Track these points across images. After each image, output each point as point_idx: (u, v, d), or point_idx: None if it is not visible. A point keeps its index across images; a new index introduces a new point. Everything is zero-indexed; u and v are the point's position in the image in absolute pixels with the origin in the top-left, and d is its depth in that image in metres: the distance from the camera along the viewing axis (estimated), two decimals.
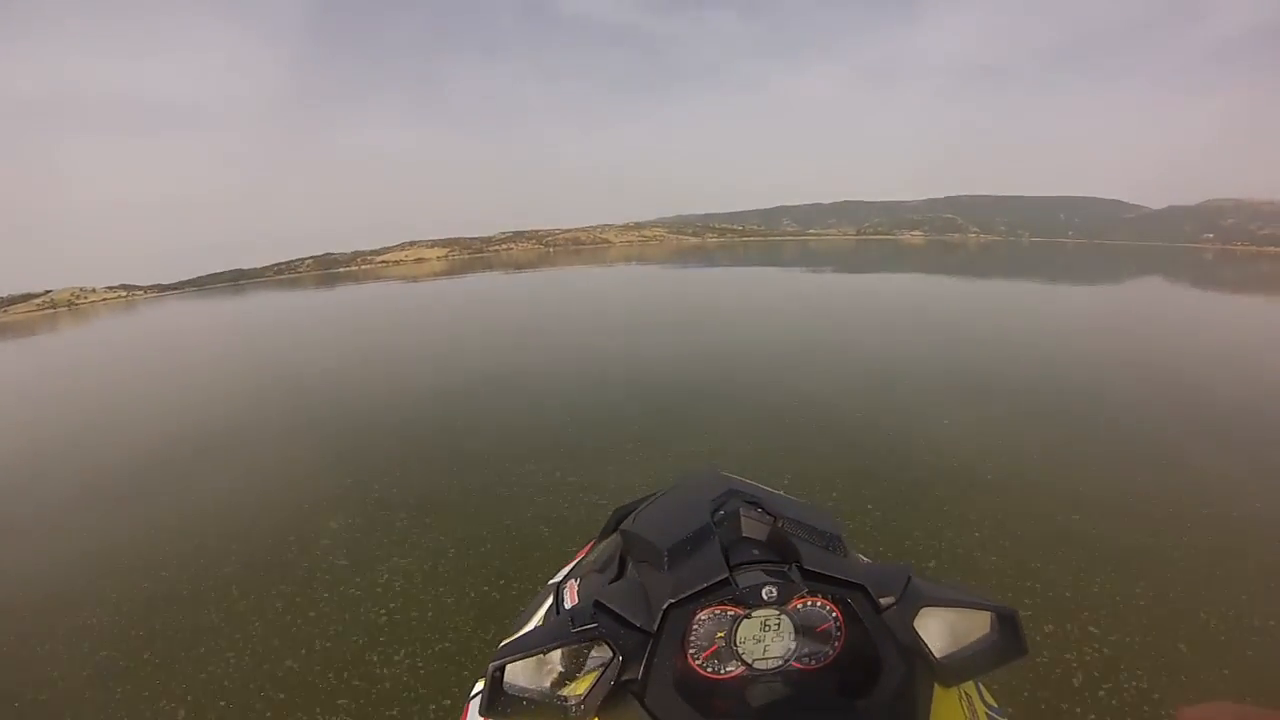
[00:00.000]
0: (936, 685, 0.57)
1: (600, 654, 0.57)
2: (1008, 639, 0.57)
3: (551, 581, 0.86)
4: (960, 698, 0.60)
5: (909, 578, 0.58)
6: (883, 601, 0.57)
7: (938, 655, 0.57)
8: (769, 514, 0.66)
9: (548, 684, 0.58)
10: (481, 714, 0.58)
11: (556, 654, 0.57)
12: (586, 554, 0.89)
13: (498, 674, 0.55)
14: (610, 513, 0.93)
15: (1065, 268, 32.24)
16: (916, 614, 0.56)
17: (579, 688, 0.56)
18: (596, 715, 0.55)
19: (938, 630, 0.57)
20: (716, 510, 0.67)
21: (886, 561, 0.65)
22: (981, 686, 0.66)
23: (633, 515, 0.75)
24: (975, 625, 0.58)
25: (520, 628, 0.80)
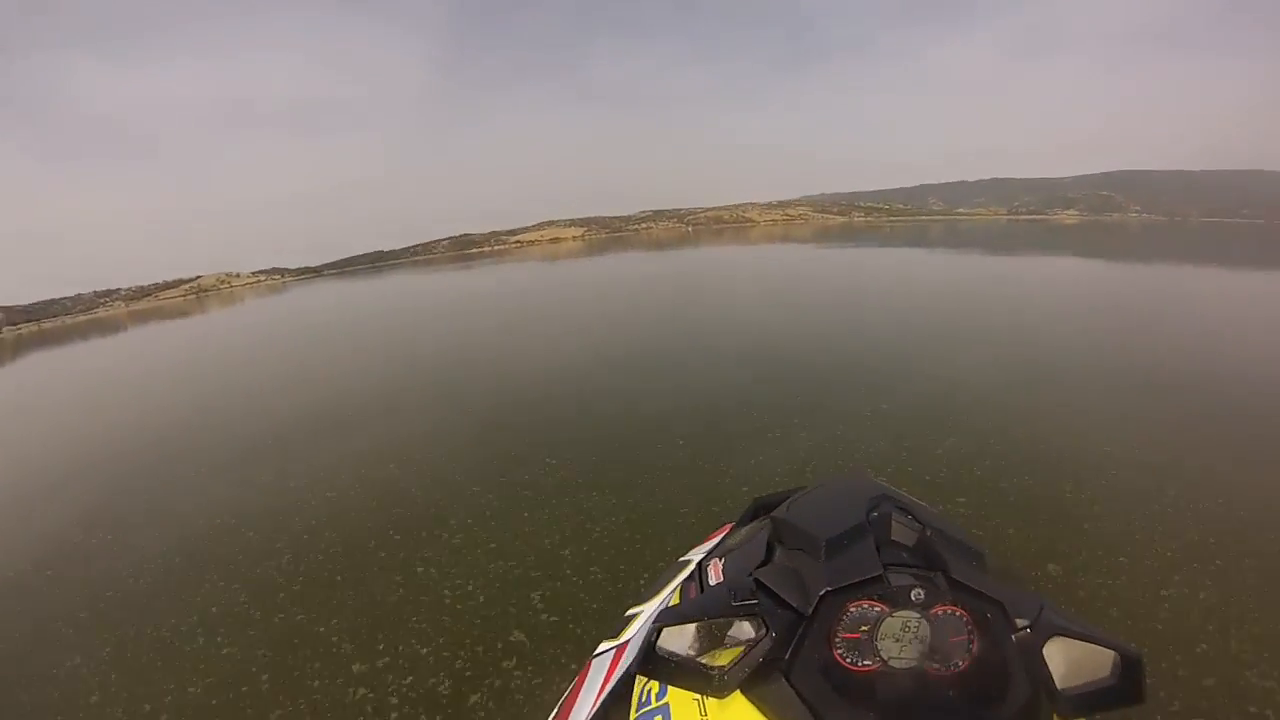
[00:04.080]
0: (1055, 715, 0.59)
1: (742, 631, 0.61)
2: (1127, 683, 0.58)
3: (684, 559, 0.91)
4: None
5: (1042, 606, 0.61)
6: (1018, 622, 0.59)
7: (1059, 686, 0.59)
8: (919, 521, 0.69)
9: (694, 651, 0.62)
10: (634, 671, 0.66)
11: (707, 625, 0.61)
12: (725, 536, 0.92)
13: (653, 636, 0.60)
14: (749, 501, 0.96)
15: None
16: (1046, 641, 0.59)
17: (722, 659, 0.60)
18: (739, 687, 0.59)
19: (1062, 661, 0.59)
20: (871, 511, 0.71)
21: (1021, 589, 0.68)
22: None
23: (784, 505, 0.79)
24: (1099, 663, 0.59)
25: (651, 597, 0.87)
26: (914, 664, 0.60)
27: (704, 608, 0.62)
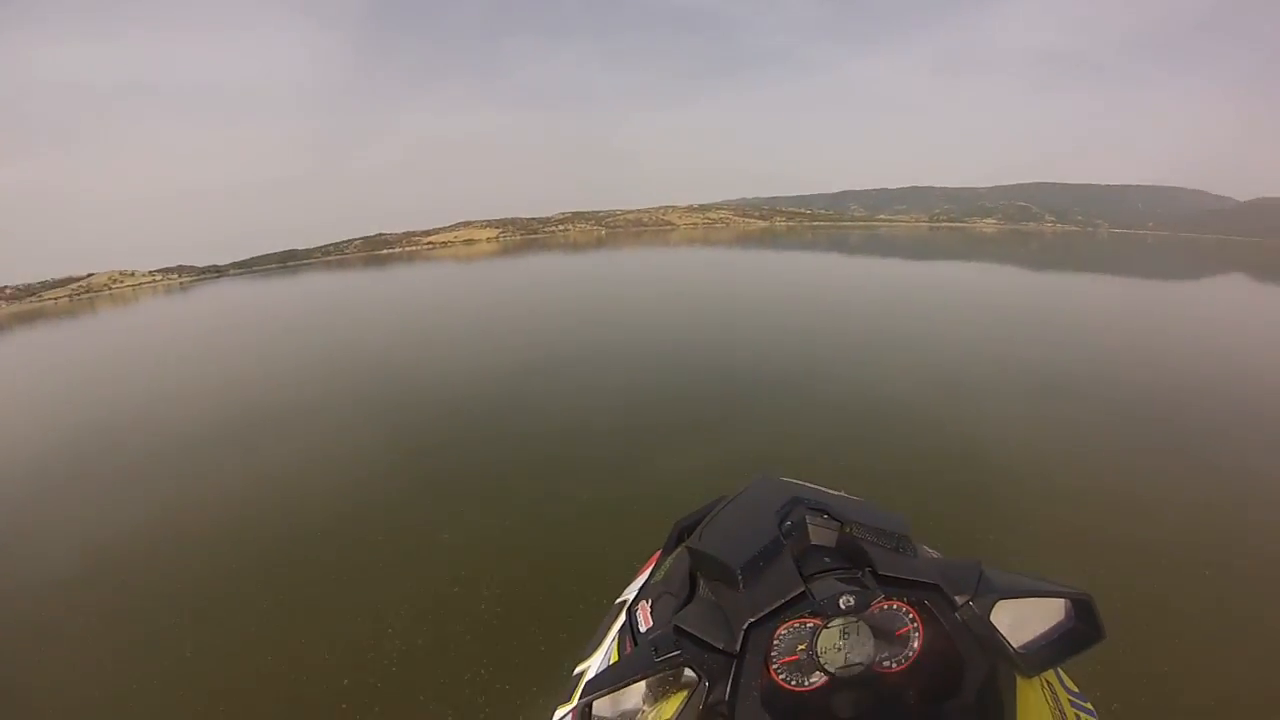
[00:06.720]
0: (1018, 677, 0.58)
1: (682, 675, 0.58)
2: (1084, 624, 0.58)
3: (620, 600, 0.87)
4: (1042, 687, 0.61)
5: (980, 571, 0.59)
6: (958, 599, 0.57)
7: (1016, 647, 0.57)
8: (835, 519, 0.66)
9: (634, 710, 0.60)
10: None
11: (638, 685, 0.59)
12: (652, 569, 0.89)
13: (587, 710, 0.59)
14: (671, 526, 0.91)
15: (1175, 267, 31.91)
16: (992, 608, 0.57)
17: (665, 711, 0.57)
18: None
19: (1013, 621, 0.58)
20: (783, 520, 0.67)
21: (955, 556, 0.66)
22: (1062, 674, 0.67)
23: (697, 531, 0.75)
24: (1050, 613, 0.59)
25: (595, 648, 0.84)
26: (863, 668, 0.59)
27: (628, 671, 0.59)
